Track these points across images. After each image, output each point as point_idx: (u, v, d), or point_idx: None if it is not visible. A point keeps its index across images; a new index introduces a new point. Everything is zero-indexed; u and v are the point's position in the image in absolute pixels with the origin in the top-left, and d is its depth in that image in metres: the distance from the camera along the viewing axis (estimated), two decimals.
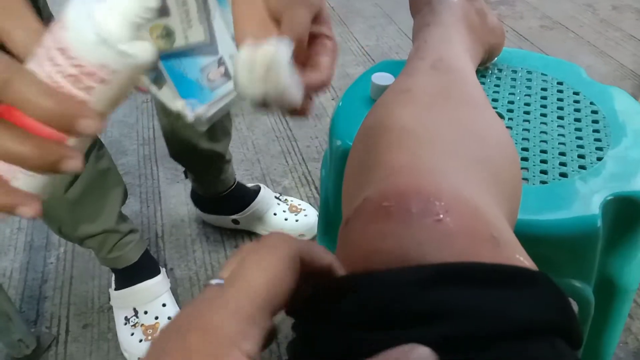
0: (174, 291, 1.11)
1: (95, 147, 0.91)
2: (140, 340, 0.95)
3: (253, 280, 0.20)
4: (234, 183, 1.22)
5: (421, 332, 0.23)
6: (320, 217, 0.76)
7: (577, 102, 0.67)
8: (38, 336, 1.03)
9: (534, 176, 0.56)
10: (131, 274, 1.01)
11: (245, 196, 1.21)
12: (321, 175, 0.73)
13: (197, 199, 1.25)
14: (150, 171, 1.44)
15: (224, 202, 1.20)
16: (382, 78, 0.67)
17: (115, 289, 1.03)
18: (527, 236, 0.52)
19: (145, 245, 1.06)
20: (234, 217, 1.21)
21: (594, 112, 0.65)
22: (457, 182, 0.34)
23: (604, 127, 0.62)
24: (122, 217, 1.02)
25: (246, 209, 1.19)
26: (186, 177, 1.22)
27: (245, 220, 1.21)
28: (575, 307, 0.58)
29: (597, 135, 0.61)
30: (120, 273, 1.03)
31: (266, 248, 0.21)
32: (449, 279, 0.25)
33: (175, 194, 1.36)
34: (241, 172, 1.41)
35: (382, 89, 0.61)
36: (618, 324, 0.61)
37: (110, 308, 1.08)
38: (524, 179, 0.56)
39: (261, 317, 0.19)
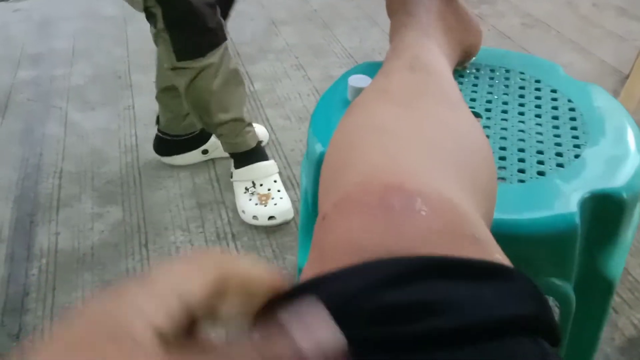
0: None
1: (227, 47, 1.17)
2: (256, 204, 1.26)
3: (159, 283, 0.20)
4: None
5: (400, 327, 0.22)
6: (301, 220, 0.75)
7: (554, 100, 0.67)
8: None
9: (511, 175, 0.56)
10: (250, 156, 1.30)
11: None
12: (301, 179, 0.73)
13: (164, 145, 1.42)
14: (133, 179, 1.42)
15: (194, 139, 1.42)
16: (359, 80, 0.66)
17: (236, 168, 1.31)
18: (506, 235, 0.52)
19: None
20: (203, 147, 1.43)
21: (572, 109, 0.65)
22: (437, 181, 0.34)
23: (582, 124, 0.62)
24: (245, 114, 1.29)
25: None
26: (157, 123, 1.42)
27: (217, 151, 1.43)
28: (556, 306, 0.58)
29: (574, 132, 0.61)
30: (241, 155, 1.30)
31: (183, 260, 0.21)
32: (431, 272, 0.24)
33: (159, 201, 1.34)
34: (226, 179, 1.40)
35: (359, 91, 0.60)
36: (601, 320, 0.61)
37: None
38: (501, 178, 0.56)
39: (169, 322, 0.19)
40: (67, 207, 1.35)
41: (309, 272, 0.28)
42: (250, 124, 1.29)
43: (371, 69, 0.70)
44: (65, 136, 1.60)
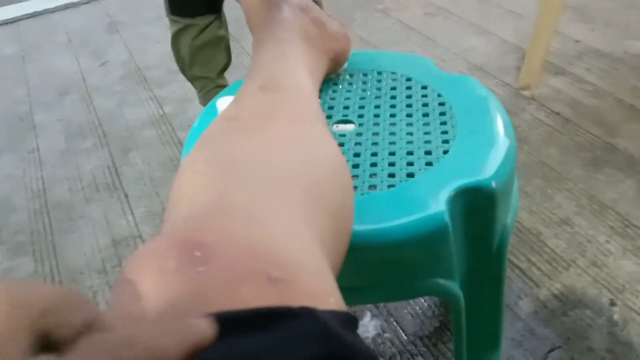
0: None
1: (220, 17, 1.33)
2: None
3: None
4: None
5: None
6: None
7: (425, 96, 0.67)
8: None
9: (382, 182, 0.55)
10: None
11: None
12: None
13: None
14: (42, 225, 1.35)
15: None
16: (227, 103, 0.64)
17: None
18: (380, 245, 0.51)
19: None
20: None
21: (441, 104, 0.65)
22: (251, 216, 0.32)
23: (451, 118, 0.63)
24: (222, 78, 1.43)
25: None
26: None
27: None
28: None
29: (444, 127, 0.61)
30: None
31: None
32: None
33: (72, 245, 1.28)
34: (140, 209, 1.35)
35: None
36: (497, 310, 0.62)
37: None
38: (372, 186, 0.55)
39: None
40: None
41: None
42: (223, 87, 1.40)
43: None
44: None
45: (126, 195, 1.40)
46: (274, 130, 0.44)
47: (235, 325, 0.23)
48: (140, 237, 1.28)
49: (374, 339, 1.01)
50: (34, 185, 1.49)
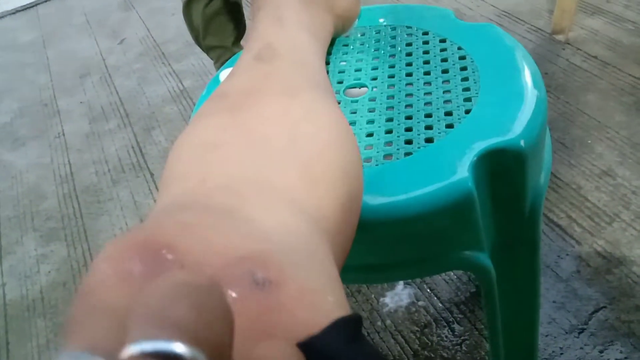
0: None
1: None
2: None
3: None
4: None
5: None
6: None
7: (444, 50, 0.61)
8: None
9: (398, 149, 0.50)
10: None
11: None
12: None
13: None
14: (72, 210, 1.36)
15: None
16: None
17: None
18: (399, 219, 0.47)
19: None
20: None
21: (462, 57, 0.59)
22: (221, 213, 0.28)
23: (472, 72, 0.57)
24: (238, 46, 1.42)
25: None
26: None
27: None
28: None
29: (465, 84, 0.56)
30: None
31: None
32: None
33: (102, 228, 1.29)
34: None
35: None
36: (533, 280, 0.57)
37: None
38: (388, 154, 0.50)
39: None
40: (10, 255, 1.29)
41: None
42: None
43: None
44: None
45: (152, 174, 1.39)
46: (265, 106, 0.40)
47: None
48: None
49: (407, 308, 0.98)
50: (62, 170, 1.50)
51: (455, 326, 0.94)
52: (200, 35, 1.36)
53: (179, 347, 0.13)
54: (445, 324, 0.94)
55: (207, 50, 1.41)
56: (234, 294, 0.23)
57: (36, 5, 2.52)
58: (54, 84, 1.89)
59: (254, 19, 0.56)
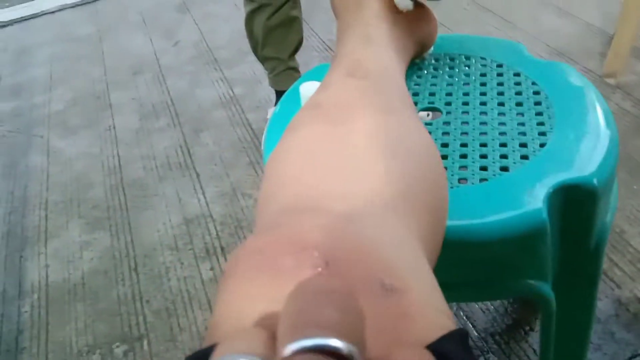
0: (152, 325, 1.08)
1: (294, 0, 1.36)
2: None
3: None
4: None
5: None
6: None
7: (518, 84, 0.63)
8: None
9: (473, 174, 0.52)
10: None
11: None
12: None
13: None
14: (118, 201, 1.40)
15: None
16: (311, 88, 0.63)
17: (275, 105, 1.44)
18: (472, 242, 0.49)
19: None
20: None
21: (536, 92, 0.61)
22: (347, 219, 0.30)
23: (547, 108, 0.59)
24: (292, 60, 1.46)
25: None
26: None
27: None
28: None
29: (539, 118, 0.58)
30: (279, 94, 1.47)
31: None
32: None
33: (145, 222, 1.32)
34: (211, 189, 1.37)
35: None
36: (588, 315, 0.58)
37: (89, 350, 1.05)
38: (463, 178, 0.52)
39: None
40: (55, 238, 1.33)
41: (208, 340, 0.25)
42: (294, 69, 1.45)
43: (324, 72, 0.67)
44: (49, 165, 1.58)
45: (198, 175, 1.43)
46: (362, 120, 0.42)
47: None
48: (211, 216, 1.30)
49: None
50: (110, 162, 1.54)
51: (490, 356, 0.94)
52: (259, 46, 1.40)
53: (335, 342, 0.15)
54: (479, 353, 0.95)
55: (264, 60, 1.44)
56: (365, 298, 0.25)
57: (95, 0, 2.61)
58: (108, 78, 1.95)
59: (343, 34, 0.58)
